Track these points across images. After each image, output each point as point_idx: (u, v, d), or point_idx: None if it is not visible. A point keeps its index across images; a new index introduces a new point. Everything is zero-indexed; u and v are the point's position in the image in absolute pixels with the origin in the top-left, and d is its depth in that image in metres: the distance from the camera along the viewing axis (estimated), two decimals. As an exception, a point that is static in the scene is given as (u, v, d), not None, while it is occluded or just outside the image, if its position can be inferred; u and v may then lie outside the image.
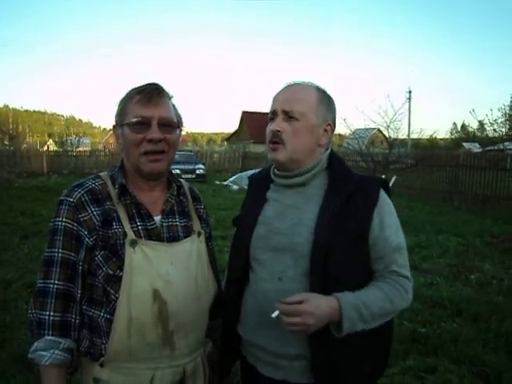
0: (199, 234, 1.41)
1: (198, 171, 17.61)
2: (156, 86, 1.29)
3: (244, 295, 1.43)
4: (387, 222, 1.33)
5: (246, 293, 1.43)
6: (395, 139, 13.08)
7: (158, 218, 1.33)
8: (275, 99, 1.42)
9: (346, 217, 1.30)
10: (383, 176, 10.04)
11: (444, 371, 3.00)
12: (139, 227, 1.28)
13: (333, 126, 1.43)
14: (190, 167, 17.42)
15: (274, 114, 1.39)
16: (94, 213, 1.25)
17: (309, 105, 1.37)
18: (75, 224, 1.24)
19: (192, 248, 1.36)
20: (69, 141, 27.91)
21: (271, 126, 1.39)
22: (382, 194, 1.37)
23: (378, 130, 16.27)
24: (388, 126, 12.44)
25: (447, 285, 4.90)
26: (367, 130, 15.47)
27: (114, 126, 1.36)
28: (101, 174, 1.37)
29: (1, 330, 3.56)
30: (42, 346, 1.20)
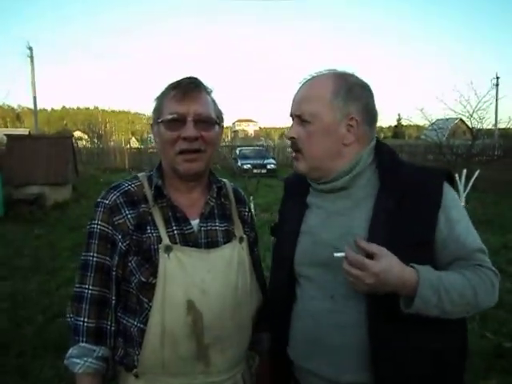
0: (241, 240, 1.30)
1: (268, 166, 17.67)
2: (192, 80, 1.22)
3: (292, 314, 1.28)
4: (455, 217, 1.14)
5: (294, 312, 1.27)
6: (479, 129, 12.10)
7: (195, 222, 1.25)
8: (292, 101, 1.26)
9: (404, 221, 1.11)
10: (464, 170, 9.31)
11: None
12: (175, 232, 1.21)
13: (360, 118, 1.19)
14: (261, 162, 17.55)
15: (291, 117, 1.26)
16: (129, 216, 1.20)
17: (321, 102, 1.18)
18: (110, 227, 1.20)
19: (232, 255, 1.26)
20: (149, 138, 29.52)
21: (286, 133, 1.26)
22: (446, 188, 1.16)
23: (461, 120, 15.15)
24: (471, 116, 11.55)
25: (538, 292, 4.42)
26: (447, 120, 14.47)
27: (151, 125, 1.29)
28: (139, 174, 1.31)
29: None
30: (75, 353, 1.18)
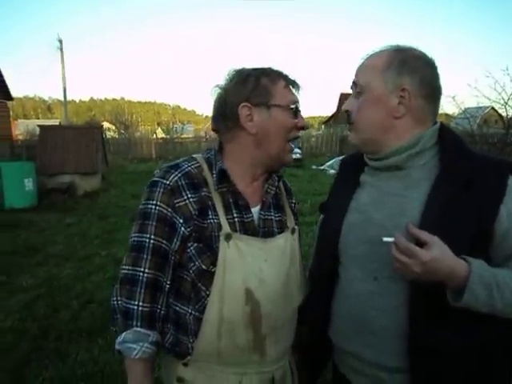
0: (293, 231, 1.29)
1: (294, 156, 17.39)
2: (289, 75, 1.25)
3: (334, 295, 1.26)
4: None
5: (337, 293, 1.26)
6: (514, 118, 11.65)
7: (254, 210, 1.22)
8: None
9: (464, 208, 1.06)
10: (498, 159, 9.01)
11: None
12: (235, 219, 1.17)
13: (413, 89, 1.13)
14: (287, 152, 17.42)
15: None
16: (191, 199, 1.15)
17: (374, 72, 1.15)
18: (170, 209, 1.14)
19: (286, 245, 1.25)
20: (174, 128, 29.77)
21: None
22: (510, 181, 1.10)
23: (492, 108, 14.62)
24: (506, 103, 11.11)
25: None
26: (480, 108, 13.97)
27: (242, 106, 1.17)
28: (196, 156, 1.26)
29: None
30: (130, 337, 1.14)
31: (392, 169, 1.19)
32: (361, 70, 1.20)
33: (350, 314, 1.21)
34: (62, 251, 5.99)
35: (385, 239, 1.03)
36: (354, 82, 1.21)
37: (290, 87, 1.23)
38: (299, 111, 1.23)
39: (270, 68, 1.23)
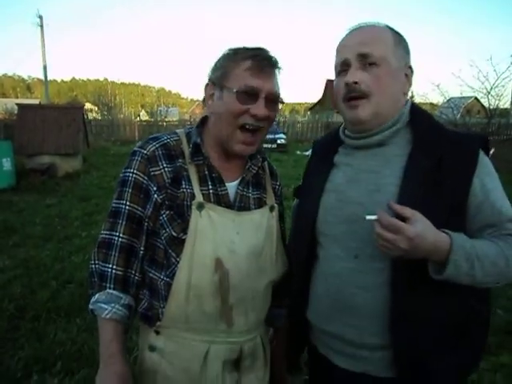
0: (272, 208, 1.30)
1: (278, 141, 17.43)
2: (269, 55, 1.17)
3: (312, 276, 1.26)
4: (490, 184, 1.11)
5: (315, 273, 1.26)
6: (496, 108, 11.85)
7: (231, 185, 1.24)
8: (344, 46, 1.20)
9: (438, 182, 1.08)
10: (479, 148, 9.16)
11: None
12: (210, 191, 1.20)
13: (412, 69, 1.21)
14: (271, 136, 17.30)
15: (344, 64, 1.17)
16: (166, 169, 1.19)
17: (387, 46, 1.15)
18: (146, 178, 1.19)
19: (261, 220, 1.26)
20: (158, 111, 29.33)
21: (346, 78, 1.15)
22: (482, 154, 1.13)
23: (475, 98, 14.82)
24: (488, 93, 11.28)
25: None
26: (463, 98, 14.14)
27: (207, 84, 1.21)
28: (178, 130, 1.29)
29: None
30: (103, 298, 1.18)
31: (372, 147, 1.19)
32: (372, 42, 1.15)
33: (329, 293, 1.21)
34: (41, 232, 5.89)
35: (368, 217, 1.02)
36: (362, 54, 1.15)
37: (256, 71, 1.14)
38: (259, 98, 1.15)
39: (244, 48, 1.18)
